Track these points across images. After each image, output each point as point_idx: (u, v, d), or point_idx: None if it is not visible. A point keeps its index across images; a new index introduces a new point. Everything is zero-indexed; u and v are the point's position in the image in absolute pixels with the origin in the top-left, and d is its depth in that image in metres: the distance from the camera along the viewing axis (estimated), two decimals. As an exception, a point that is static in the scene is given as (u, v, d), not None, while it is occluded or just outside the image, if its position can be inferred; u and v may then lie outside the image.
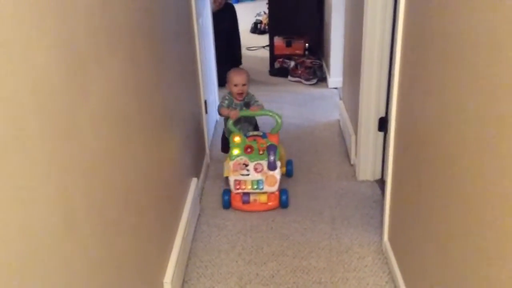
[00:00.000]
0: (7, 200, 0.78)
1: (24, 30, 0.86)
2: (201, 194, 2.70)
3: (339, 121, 3.66)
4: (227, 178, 2.59)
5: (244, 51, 5.17)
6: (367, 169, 2.83)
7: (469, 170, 1.25)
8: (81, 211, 1.07)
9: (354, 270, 2.12)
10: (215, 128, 3.55)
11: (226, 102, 2.72)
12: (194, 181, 2.51)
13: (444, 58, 1.44)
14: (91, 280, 1.11)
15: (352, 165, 3.00)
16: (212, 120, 3.44)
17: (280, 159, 2.55)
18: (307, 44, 4.95)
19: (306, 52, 4.95)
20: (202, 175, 2.77)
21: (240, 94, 2.68)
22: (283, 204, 2.54)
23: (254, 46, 5.87)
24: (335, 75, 4.28)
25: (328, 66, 4.55)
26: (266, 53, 5.33)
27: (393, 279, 2.04)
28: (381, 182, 2.72)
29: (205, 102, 3.03)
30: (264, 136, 2.60)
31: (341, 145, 3.30)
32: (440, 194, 1.48)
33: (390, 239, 2.18)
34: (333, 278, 2.08)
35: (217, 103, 3.73)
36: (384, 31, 2.49)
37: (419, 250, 1.73)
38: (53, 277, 0.93)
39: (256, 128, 2.91)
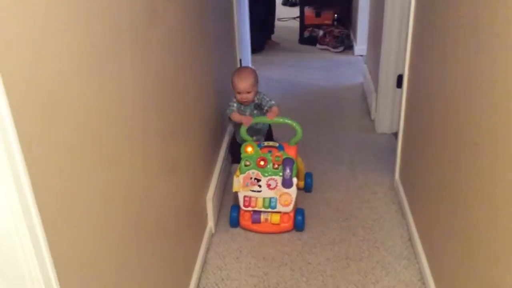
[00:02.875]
0: (109, 102, 1.14)
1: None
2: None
3: (362, 84, 3.94)
4: (236, 193, 2.27)
5: (275, 21, 5.46)
6: (385, 123, 3.13)
7: (466, 117, 1.53)
8: (154, 124, 1.43)
9: (367, 201, 2.45)
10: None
11: (235, 105, 2.40)
12: (230, 126, 2.86)
13: (450, 21, 1.73)
14: (163, 184, 1.48)
15: (372, 120, 3.30)
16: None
17: (298, 174, 2.29)
18: (336, 15, 5.21)
19: (335, 23, 5.21)
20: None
21: (244, 102, 2.37)
22: (298, 226, 2.23)
23: (285, 17, 6.15)
24: (361, 43, 4.53)
25: (355, 35, 4.81)
26: (296, 23, 5.60)
27: (401, 209, 2.36)
28: (397, 135, 3.01)
29: (240, 60, 3.36)
30: (280, 147, 2.27)
31: (363, 104, 3.60)
32: (443, 138, 1.78)
33: (400, 176, 2.49)
34: (349, 206, 2.41)
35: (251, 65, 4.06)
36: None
37: (424, 184, 2.04)
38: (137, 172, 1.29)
39: (269, 137, 2.55)
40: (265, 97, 2.39)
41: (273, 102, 2.37)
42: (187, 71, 1.89)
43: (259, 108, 2.41)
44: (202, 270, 2.03)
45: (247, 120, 2.30)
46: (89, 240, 0.98)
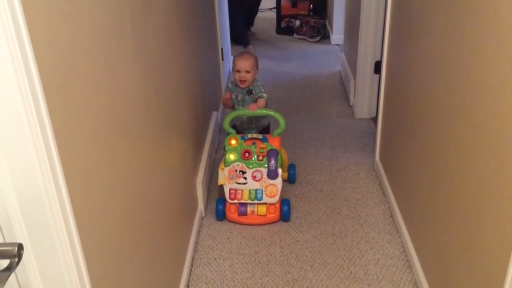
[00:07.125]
0: (109, 62, 1.19)
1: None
2: (219, 127, 3.11)
3: (340, 72, 4.05)
4: (221, 186, 2.28)
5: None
6: (363, 108, 3.24)
7: (442, 99, 1.65)
8: (154, 108, 1.49)
9: (350, 182, 2.56)
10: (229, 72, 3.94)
11: (230, 85, 2.44)
12: (214, 114, 2.93)
13: (426, 8, 1.83)
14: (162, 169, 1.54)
15: (351, 106, 3.41)
16: (226, 67, 3.83)
17: (281, 165, 2.27)
18: (311, 5, 5.31)
19: (311, 13, 5.31)
20: (219, 110, 3.19)
21: (242, 81, 2.33)
22: (284, 216, 2.26)
23: (261, 8, 6.21)
24: (337, 33, 4.65)
25: (331, 25, 4.92)
26: (272, 14, 5.68)
27: (382, 187, 2.47)
28: (376, 119, 3.13)
29: (222, 49, 3.42)
30: (264, 139, 2.26)
31: (341, 91, 3.71)
32: (420, 120, 1.89)
33: (380, 158, 2.60)
34: (332, 187, 2.52)
35: (230, 55, 4.12)
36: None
37: (403, 164, 2.15)
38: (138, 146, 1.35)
39: (266, 129, 2.51)
40: (259, 86, 2.36)
41: (264, 94, 2.34)
42: (179, 58, 1.95)
43: (250, 94, 2.37)
44: (195, 251, 2.10)
45: (253, 107, 2.26)
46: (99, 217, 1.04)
